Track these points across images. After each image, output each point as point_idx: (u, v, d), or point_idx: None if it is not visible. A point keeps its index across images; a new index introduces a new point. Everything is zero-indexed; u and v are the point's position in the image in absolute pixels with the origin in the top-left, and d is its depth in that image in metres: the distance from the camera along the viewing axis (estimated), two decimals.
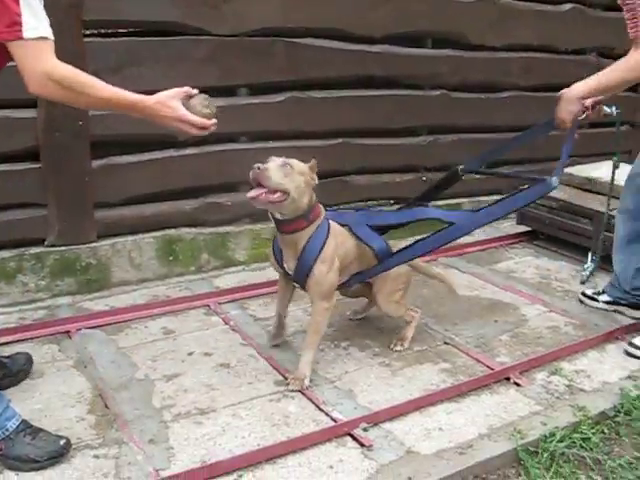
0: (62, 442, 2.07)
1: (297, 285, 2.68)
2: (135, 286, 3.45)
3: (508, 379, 2.62)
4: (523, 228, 4.37)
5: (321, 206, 2.59)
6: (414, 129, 4.36)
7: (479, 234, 4.18)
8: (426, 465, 2.10)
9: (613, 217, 3.48)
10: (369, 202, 4.22)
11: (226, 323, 3.08)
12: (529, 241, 4.33)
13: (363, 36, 3.91)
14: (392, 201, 4.30)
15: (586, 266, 3.63)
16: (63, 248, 3.30)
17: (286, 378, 2.58)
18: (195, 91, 2.11)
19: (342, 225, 2.71)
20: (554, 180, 2.55)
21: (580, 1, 4.78)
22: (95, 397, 2.45)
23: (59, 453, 2.05)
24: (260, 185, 2.33)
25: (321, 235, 2.51)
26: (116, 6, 3.17)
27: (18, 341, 2.84)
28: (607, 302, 3.28)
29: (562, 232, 4.04)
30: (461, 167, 3.11)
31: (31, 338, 2.88)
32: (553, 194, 3.60)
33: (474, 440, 2.24)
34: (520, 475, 2.15)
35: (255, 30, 3.53)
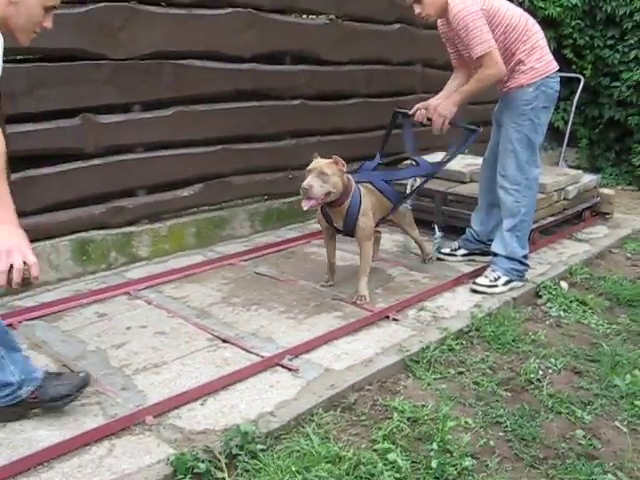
0: (82, 374, 2.57)
1: (345, 235, 3.68)
2: (56, 285, 3.86)
3: (388, 317, 3.39)
4: None
5: (351, 178, 3.53)
6: (280, 134, 5.06)
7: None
8: (342, 376, 2.80)
9: (449, 194, 4.47)
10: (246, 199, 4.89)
11: (149, 304, 3.61)
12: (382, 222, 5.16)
13: (234, 56, 4.56)
14: (266, 196, 4.99)
15: (436, 236, 4.42)
16: None
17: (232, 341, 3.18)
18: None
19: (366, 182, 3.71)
20: (480, 130, 3.85)
21: (405, 21, 5.71)
22: (60, 367, 2.91)
23: (85, 382, 2.54)
24: (309, 198, 3.26)
25: (356, 199, 3.50)
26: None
27: None
28: (464, 255, 4.31)
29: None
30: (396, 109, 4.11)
31: None
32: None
33: (373, 357, 2.98)
34: (409, 377, 2.91)
35: (146, 54, 4.08)
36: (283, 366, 2.90)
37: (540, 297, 3.84)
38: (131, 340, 3.17)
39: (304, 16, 5.11)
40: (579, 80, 6.41)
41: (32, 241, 3.72)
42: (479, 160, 4.41)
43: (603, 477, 2.31)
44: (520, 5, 6.61)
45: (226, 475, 2.19)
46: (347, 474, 2.20)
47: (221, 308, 3.53)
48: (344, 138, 5.38)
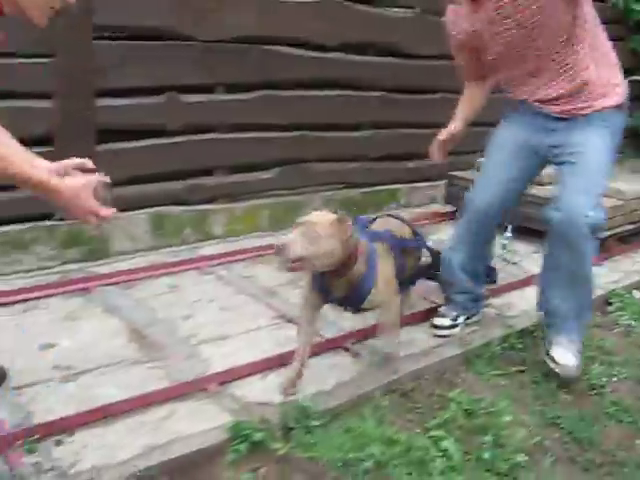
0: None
1: (345, 310, 2.73)
2: (131, 255, 4.01)
3: None
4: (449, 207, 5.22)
5: (363, 243, 2.50)
6: (359, 124, 5.09)
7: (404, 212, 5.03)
8: (401, 363, 2.82)
9: (525, 195, 4.41)
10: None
11: (218, 280, 3.71)
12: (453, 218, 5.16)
13: (319, 45, 4.62)
14: (343, 185, 5.04)
15: (505, 235, 4.32)
16: (70, 222, 3.83)
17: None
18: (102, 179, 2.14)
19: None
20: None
21: None
22: (131, 331, 3.04)
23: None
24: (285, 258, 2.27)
25: (372, 266, 2.51)
26: (120, 14, 3.75)
27: (45, 297, 3.37)
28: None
29: None
30: None
31: (55, 294, 3.41)
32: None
33: (434, 347, 2.99)
34: (468, 370, 2.91)
35: (234, 37, 4.18)
36: (345, 349, 2.94)
37: (610, 305, 3.75)
38: (197, 313, 3.27)
39: (391, 9, 5.10)
40: None
41: None
42: None
43: None
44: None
45: (281, 446, 2.24)
46: (399, 456, 2.23)
47: (288, 290, 3.59)
48: (423, 132, 5.35)
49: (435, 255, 3.19)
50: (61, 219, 3.77)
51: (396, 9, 5.08)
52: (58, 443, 2.22)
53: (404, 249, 2.81)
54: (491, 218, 3.04)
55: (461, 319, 3.19)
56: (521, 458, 2.30)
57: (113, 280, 3.59)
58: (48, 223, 3.76)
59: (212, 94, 4.25)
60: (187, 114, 4.13)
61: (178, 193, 4.23)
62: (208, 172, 4.35)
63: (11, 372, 2.57)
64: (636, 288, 3.99)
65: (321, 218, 2.36)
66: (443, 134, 3.14)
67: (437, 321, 3.16)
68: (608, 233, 4.15)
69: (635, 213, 4.72)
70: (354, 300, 2.55)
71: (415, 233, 3.02)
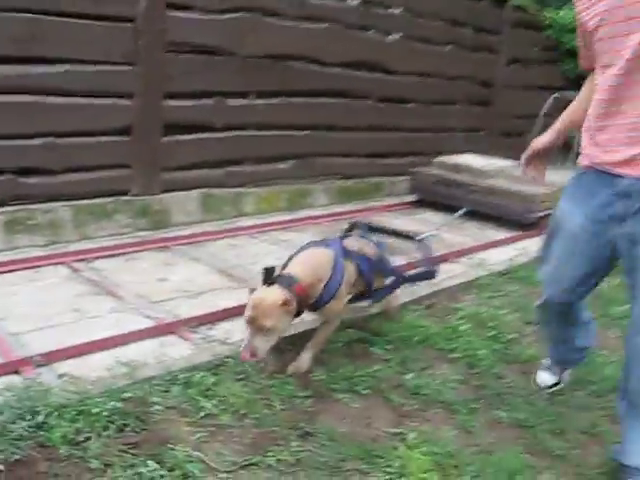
0: None
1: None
2: (187, 226, 5.01)
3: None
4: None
5: (300, 282, 2.73)
6: (356, 127, 6.25)
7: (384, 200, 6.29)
8: (441, 284, 3.95)
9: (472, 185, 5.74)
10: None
11: (263, 242, 4.76)
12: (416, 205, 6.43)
13: (327, 62, 5.77)
14: (340, 176, 6.18)
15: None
16: (142, 197, 4.81)
17: None
18: None
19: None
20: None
21: (456, 42, 6.94)
22: (219, 271, 4.06)
23: None
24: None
25: (335, 281, 2.86)
26: (185, 33, 4.79)
27: (137, 252, 4.34)
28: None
29: (439, 197, 6.11)
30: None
31: (145, 250, 4.39)
32: (432, 172, 5.95)
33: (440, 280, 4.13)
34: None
35: (263, 54, 5.28)
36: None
37: None
38: (260, 261, 4.29)
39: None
40: None
41: (171, 191, 4.97)
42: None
43: None
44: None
45: None
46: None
47: None
48: (404, 136, 6.59)
49: (430, 267, 3.51)
50: (135, 195, 4.76)
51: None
52: (210, 328, 3.24)
53: (376, 270, 3.17)
54: (566, 313, 2.66)
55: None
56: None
57: (186, 241, 4.60)
58: (125, 198, 4.74)
59: (245, 99, 5.32)
60: (229, 115, 5.19)
61: (220, 178, 5.27)
62: (241, 162, 5.41)
63: (141, 294, 3.57)
64: None
65: (263, 309, 2.58)
66: (538, 143, 2.69)
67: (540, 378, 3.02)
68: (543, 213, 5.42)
69: None
70: (314, 303, 2.86)
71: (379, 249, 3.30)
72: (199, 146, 5.08)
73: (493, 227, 5.82)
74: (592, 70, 2.39)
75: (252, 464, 2.24)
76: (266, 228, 5.09)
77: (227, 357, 2.83)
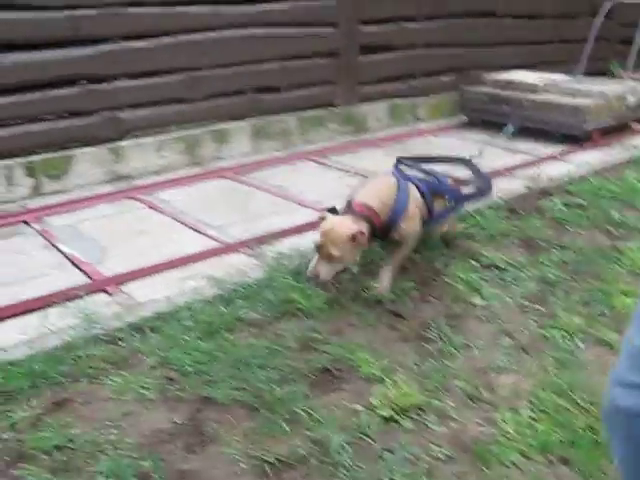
0: None
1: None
2: (384, 131, 6.12)
3: None
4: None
5: (369, 207, 2.80)
6: None
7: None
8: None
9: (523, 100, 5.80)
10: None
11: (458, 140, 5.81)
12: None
13: None
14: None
15: (505, 128, 4.44)
16: (344, 108, 5.95)
17: None
18: None
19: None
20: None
21: None
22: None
23: None
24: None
25: (400, 207, 2.87)
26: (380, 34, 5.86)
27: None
28: None
29: (491, 115, 6.00)
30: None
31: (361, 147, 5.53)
32: (484, 90, 6.14)
33: None
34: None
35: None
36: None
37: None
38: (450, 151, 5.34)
39: None
40: None
41: (367, 100, 6.06)
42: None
43: None
44: None
45: None
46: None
47: None
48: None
49: (485, 180, 3.50)
50: (338, 105, 5.88)
51: None
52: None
53: (434, 192, 3.14)
54: None
55: None
56: None
57: (392, 140, 5.72)
58: (333, 109, 5.88)
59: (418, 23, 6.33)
60: (407, 36, 6.23)
61: (402, 89, 6.34)
62: (413, 76, 6.46)
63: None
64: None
65: (333, 239, 2.65)
66: None
67: None
68: (594, 126, 5.50)
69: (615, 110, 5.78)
70: (383, 230, 2.88)
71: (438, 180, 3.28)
72: (386, 63, 6.15)
73: (544, 143, 5.65)
74: None
75: None
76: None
77: None
